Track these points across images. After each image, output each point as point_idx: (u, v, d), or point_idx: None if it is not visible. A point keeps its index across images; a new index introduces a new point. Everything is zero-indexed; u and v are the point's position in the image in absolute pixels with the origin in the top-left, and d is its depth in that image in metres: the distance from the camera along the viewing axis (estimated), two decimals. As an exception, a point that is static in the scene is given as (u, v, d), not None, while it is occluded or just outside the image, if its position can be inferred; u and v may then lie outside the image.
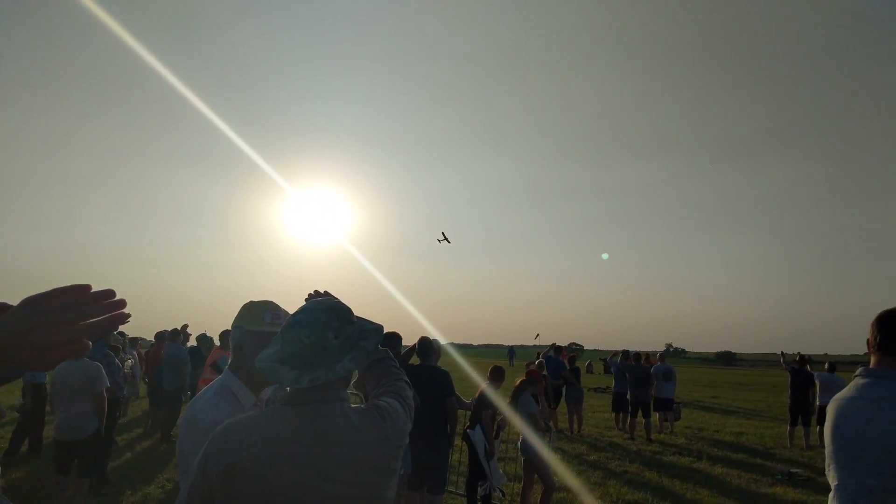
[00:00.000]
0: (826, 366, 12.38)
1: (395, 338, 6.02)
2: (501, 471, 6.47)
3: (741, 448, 11.56)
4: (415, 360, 6.52)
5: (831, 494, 2.20)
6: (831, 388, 11.92)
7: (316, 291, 1.99)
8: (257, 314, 2.11)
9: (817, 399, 11.90)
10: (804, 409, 11.75)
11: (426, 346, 6.25)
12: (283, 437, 1.48)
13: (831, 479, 2.22)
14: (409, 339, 6.54)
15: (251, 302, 2.17)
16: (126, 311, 0.86)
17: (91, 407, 5.97)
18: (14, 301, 0.88)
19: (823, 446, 7.88)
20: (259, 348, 1.91)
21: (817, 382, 11.96)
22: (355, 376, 1.89)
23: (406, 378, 1.91)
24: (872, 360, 2.26)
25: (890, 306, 2.30)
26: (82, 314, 0.83)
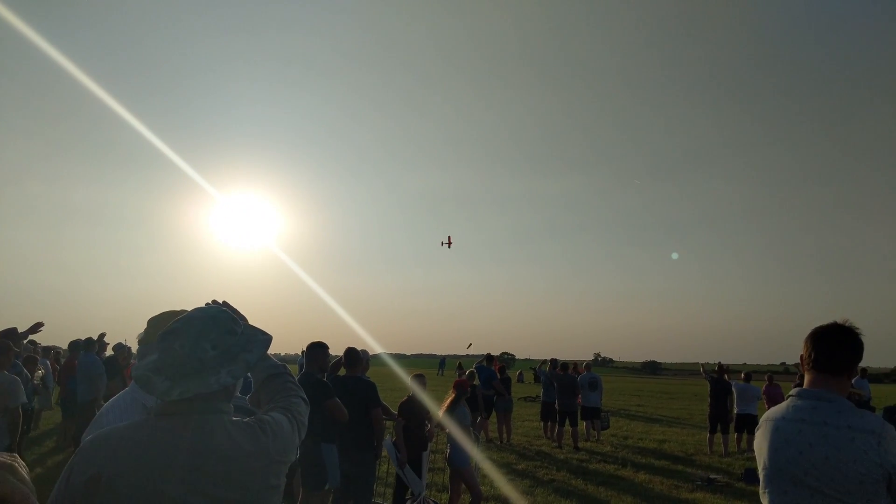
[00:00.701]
0: (742, 375, 12.94)
1: (320, 347, 5.90)
2: (422, 478, 6.39)
3: (664, 455, 11.89)
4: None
5: None
6: (747, 397, 12.48)
7: (214, 301, 1.88)
8: (163, 325, 2.05)
9: (735, 407, 12.42)
10: (723, 417, 12.21)
11: (352, 357, 6.15)
12: (153, 448, 1.42)
13: (766, 501, 2.22)
14: (342, 348, 6.42)
15: (156, 316, 2.13)
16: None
17: (4, 422, 5.61)
18: None
19: (741, 453, 8.18)
20: None
21: (734, 391, 12.48)
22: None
23: (303, 395, 1.84)
24: (807, 378, 2.26)
25: (804, 321, 2.34)
26: None
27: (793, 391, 2.27)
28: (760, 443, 2.29)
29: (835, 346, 2.20)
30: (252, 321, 1.82)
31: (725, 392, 12.40)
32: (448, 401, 6.69)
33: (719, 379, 12.61)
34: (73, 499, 1.41)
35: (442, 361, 53.45)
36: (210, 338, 1.52)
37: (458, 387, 6.79)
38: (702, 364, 14.25)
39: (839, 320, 2.26)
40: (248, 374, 1.74)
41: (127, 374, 9.86)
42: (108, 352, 11.88)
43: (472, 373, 12.40)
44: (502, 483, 8.79)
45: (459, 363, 14.24)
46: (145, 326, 2.12)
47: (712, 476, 9.50)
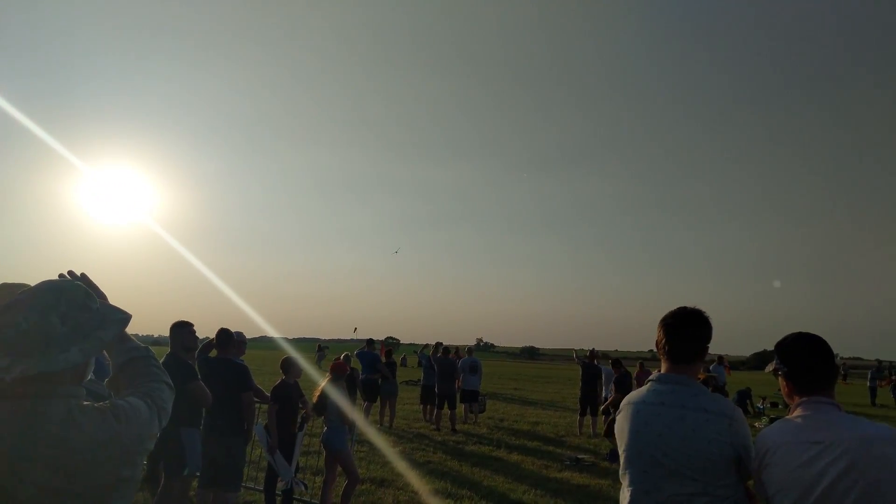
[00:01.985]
0: (610, 361, 13.64)
1: (184, 327, 5.51)
2: (292, 463, 6.26)
3: (536, 436, 12.35)
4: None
5: (625, 496, 2.26)
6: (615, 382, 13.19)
7: (71, 273, 1.65)
8: None
9: (604, 391, 13.09)
10: (592, 400, 12.83)
11: (224, 338, 5.87)
12: None
13: (627, 482, 2.28)
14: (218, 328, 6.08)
15: (2, 285, 1.94)
16: None
17: None
18: None
19: (607, 435, 8.47)
20: None
21: (604, 375, 13.15)
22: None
23: (168, 379, 1.68)
24: (664, 364, 2.33)
25: (670, 307, 2.37)
26: None
27: (652, 376, 2.35)
28: (622, 425, 2.35)
29: (685, 335, 2.29)
30: (124, 300, 1.64)
31: (596, 376, 13.04)
32: (324, 383, 6.58)
33: (590, 364, 13.23)
34: None
35: (320, 346, 52.61)
36: (59, 311, 1.37)
37: (335, 369, 6.70)
38: (575, 350, 14.88)
39: (688, 305, 2.35)
40: (105, 357, 1.55)
41: None
42: None
43: (347, 356, 12.23)
44: (378, 465, 8.80)
45: (318, 345, 14.06)
46: None
47: (580, 456, 9.96)
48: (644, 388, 2.35)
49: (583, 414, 12.95)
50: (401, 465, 8.89)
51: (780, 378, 2.13)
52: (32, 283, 1.87)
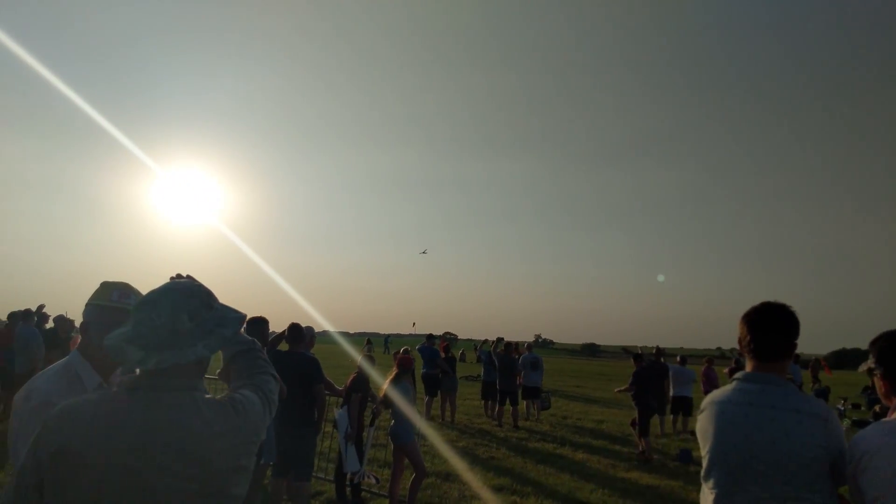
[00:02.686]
0: (678, 359, 13.28)
1: (260, 322, 5.73)
2: (362, 455, 6.35)
3: (601, 435, 12.12)
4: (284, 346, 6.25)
5: (709, 499, 2.14)
6: (682, 380, 12.82)
7: (178, 275, 1.84)
8: (106, 291, 2.04)
9: (671, 390, 12.75)
10: (659, 399, 12.49)
11: (296, 332, 6.01)
12: (120, 423, 1.37)
13: (711, 484, 2.16)
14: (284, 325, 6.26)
15: (105, 281, 2.09)
16: None
17: None
18: None
19: (676, 434, 8.35)
20: (103, 326, 1.91)
21: (671, 374, 12.79)
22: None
23: (273, 371, 1.79)
24: (749, 363, 2.20)
25: (741, 306, 2.23)
26: None
27: (738, 374, 2.22)
28: (705, 426, 2.23)
29: (770, 330, 2.17)
30: None
31: (662, 375, 12.69)
32: (391, 377, 6.64)
33: (656, 362, 12.89)
34: (39, 472, 1.37)
35: (386, 340, 54.01)
36: (188, 310, 1.49)
37: (402, 363, 6.73)
38: (640, 347, 14.55)
39: (771, 300, 2.22)
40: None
41: (71, 347, 9.63)
42: (49, 324, 11.71)
43: (407, 350, 12.25)
44: (442, 459, 8.79)
45: (368, 339, 14.21)
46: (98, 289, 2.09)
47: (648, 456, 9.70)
48: (729, 387, 2.22)
49: (649, 413, 12.61)
50: (465, 461, 8.86)
51: (875, 378, 2.00)
52: (129, 278, 1.99)
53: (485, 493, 7.20)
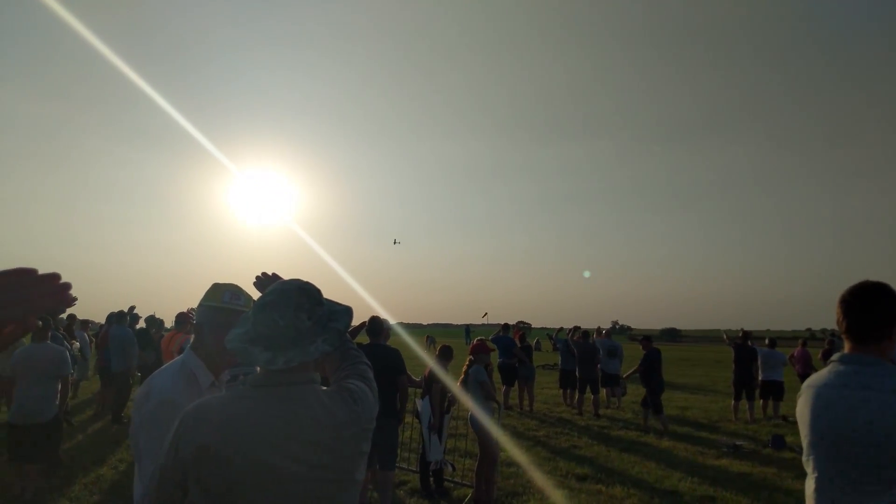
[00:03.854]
0: (766, 341, 12.70)
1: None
2: (442, 446, 6.39)
3: (687, 422, 11.74)
4: (362, 339, 6.33)
5: (811, 485, 2.05)
6: (772, 363, 12.27)
7: (264, 274, 1.98)
8: (218, 293, 2.14)
9: (760, 374, 12.21)
10: (748, 384, 12.01)
11: (376, 325, 6.11)
12: (254, 419, 1.47)
13: (810, 469, 2.07)
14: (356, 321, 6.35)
15: (217, 283, 2.19)
16: (73, 294, 0.89)
17: (54, 391, 5.97)
18: None
19: (767, 419, 8.01)
20: (217, 326, 2.05)
21: (759, 357, 12.25)
22: None
23: (366, 361, 1.88)
24: (847, 345, 2.09)
25: (831, 286, 2.12)
26: (28, 294, 0.86)
27: (834, 357, 2.10)
28: (802, 410, 2.13)
29: (867, 310, 2.03)
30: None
31: (751, 358, 12.18)
32: (466, 365, 6.64)
33: (743, 345, 12.38)
34: (184, 469, 1.45)
35: (467, 329, 53.80)
36: (305, 308, 1.57)
37: (476, 351, 6.71)
38: (724, 330, 14.02)
39: (868, 280, 2.08)
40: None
41: (162, 346, 10.12)
42: (140, 324, 12.30)
43: (482, 340, 12.20)
44: (524, 448, 8.72)
45: (427, 335, 14.20)
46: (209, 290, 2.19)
47: (738, 442, 9.33)
48: (825, 371, 2.11)
49: (737, 398, 12.13)
50: (546, 450, 8.76)
51: None
52: (203, 281, 2.05)
53: (569, 482, 7.08)
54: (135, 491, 1.87)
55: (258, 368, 1.60)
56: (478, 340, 7.12)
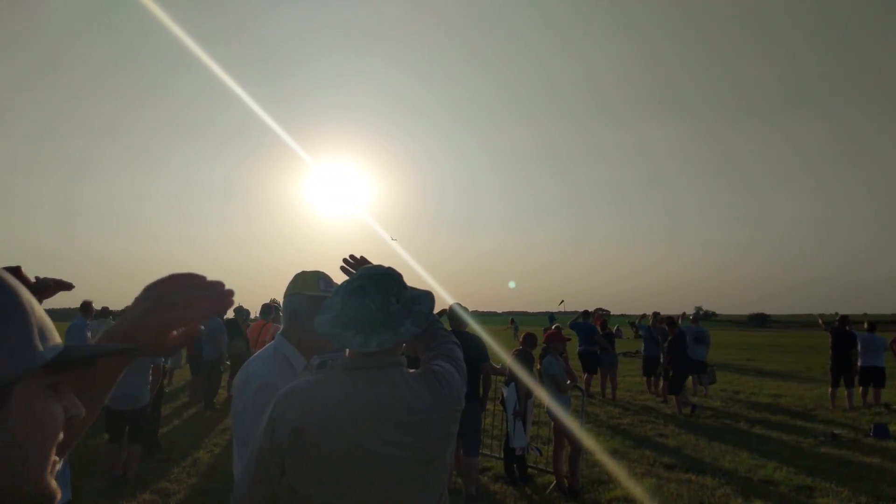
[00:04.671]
0: (866, 325, 12.00)
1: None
2: (527, 433, 6.41)
3: (780, 410, 11.26)
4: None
5: None
6: (872, 348, 11.58)
7: (352, 257, 2.05)
8: (313, 282, 2.21)
9: (859, 359, 11.57)
10: (846, 370, 11.42)
11: (457, 314, 6.18)
12: (346, 402, 1.51)
13: None
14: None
15: (304, 272, 2.26)
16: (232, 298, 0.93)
17: (146, 379, 6.24)
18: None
19: (867, 407, 7.62)
20: (314, 313, 2.03)
21: (859, 342, 11.61)
22: None
23: (455, 339, 1.90)
24: None
25: None
26: (195, 298, 0.90)
27: None
28: None
29: None
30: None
31: (849, 343, 11.55)
32: (540, 355, 6.66)
33: (841, 329, 11.75)
34: (280, 452, 1.49)
35: (551, 317, 53.26)
36: (394, 292, 1.61)
37: (551, 340, 6.69)
38: (819, 315, 13.36)
39: None
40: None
41: (251, 335, 10.49)
42: (228, 314, 12.77)
43: (559, 327, 12.04)
44: (608, 437, 8.62)
45: (512, 318, 14.08)
46: (291, 280, 2.26)
47: (836, 431, 8.90)
48: None
49: (835, 385, 11.54)
50: (630, 438, 8.62)
51: None
52: (279, 272, 2.13)
53: (656, 471, 6.95)
54: (235, 470, 1.95)
55: (346, 352, 1.65)
56: (553, 329, 7.09)
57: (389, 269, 1.69)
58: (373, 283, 1.60)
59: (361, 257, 2.05)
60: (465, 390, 1.72)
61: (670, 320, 12.90)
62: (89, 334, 10.03)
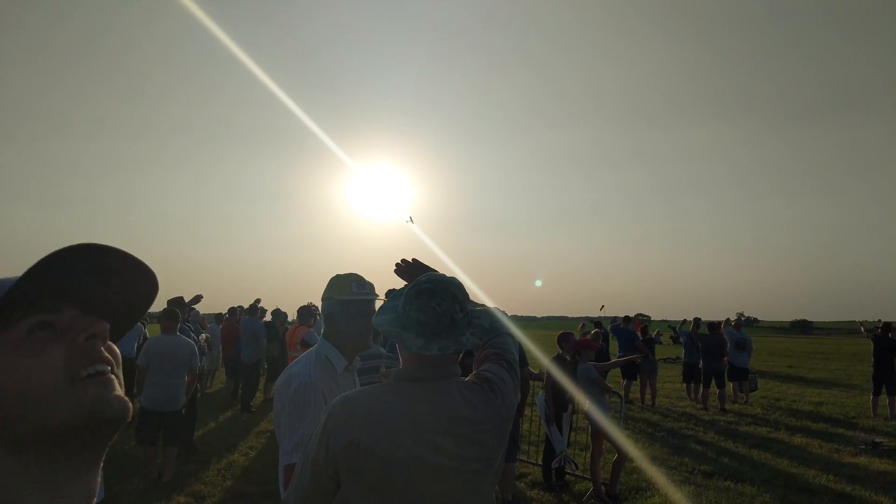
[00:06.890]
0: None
1: None
2: (564, 437, 6.47)
3: (821, 418, 11.24)
4: None
5: None
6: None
7: (404, 260, 2.02)
8: (345, 285, 2.31)
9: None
10: (889, 378, 11.31)
11: (497, 318, 6.31)
12: (402, 413, 1.49)
13: None
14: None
15: (337, 275, 2.38)
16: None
17: (184, 381, 6.37)
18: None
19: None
20: (349, 316, 2.26)
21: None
22: None
23: (510, 331, 1.90)
24: None
25: None
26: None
27: None
28: None
29: None
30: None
31: (892, 351, 11.46)
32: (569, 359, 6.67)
33: (884, 337, 11.66)
34: (336, 464, 1.46)
35: (597, 323, 52.72)
36: (459, 300, 1.59)
37: (582, 347, 6.68)
38: (861, 322, 13.23)
39: None
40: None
41: (287, 338, 10.61)
42: (266, 317, 12.97)
43: (597, 333, 12.07)
44: (647, 443, 8.74)
45: (581, 325, 14.11)
46: (327, 284, 2.36)
47: (878, 440, 8.91)
48: None
49: (877, 393, 11.45)
50: (670, 445, 8.74)
51: None
52: (319, 274, 2.33)
53: (695, 478, 7.09)
54: (280, 469, 2.00)
55: (400, 357, 1.64)
56: (583, 337, 7.12)
57: (455, 278, 1.67)
58: (441, 287, 1.58)
59: (414, 260, 2.01)
60: (519, 396, 1.81)
61: (713, 325, 12.92)
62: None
